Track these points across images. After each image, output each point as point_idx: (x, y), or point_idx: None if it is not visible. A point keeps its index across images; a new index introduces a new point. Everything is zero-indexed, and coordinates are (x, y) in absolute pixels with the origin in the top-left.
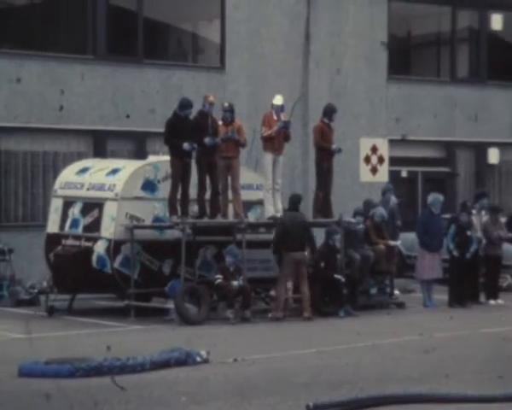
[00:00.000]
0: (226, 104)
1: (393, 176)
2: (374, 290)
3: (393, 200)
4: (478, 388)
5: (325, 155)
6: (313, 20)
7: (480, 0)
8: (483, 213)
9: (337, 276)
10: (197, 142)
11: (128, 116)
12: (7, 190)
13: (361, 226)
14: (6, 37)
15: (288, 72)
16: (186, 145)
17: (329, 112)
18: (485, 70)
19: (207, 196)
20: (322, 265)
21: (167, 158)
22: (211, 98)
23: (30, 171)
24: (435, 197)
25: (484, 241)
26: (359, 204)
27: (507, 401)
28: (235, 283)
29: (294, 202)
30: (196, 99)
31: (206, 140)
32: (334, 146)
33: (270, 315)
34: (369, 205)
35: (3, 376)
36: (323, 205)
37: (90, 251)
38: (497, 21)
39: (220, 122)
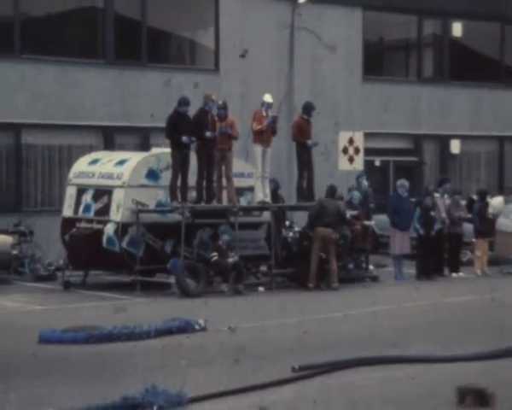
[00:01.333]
0: (220, 102)
1: (368, 165)
2: (351, 266)
3: (365, 184)
4: (443, 350)
5: (303, 148)
6: (297, 28)
7: (443, 10)
8: (446, 196)
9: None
10: (197, 136)
11: (152, 115)
12: (28, 180)
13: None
14: (27, 44)
15: (275, 74)
16: (185, 138)
17: (308, 109)
18: (448, 71)
19: (204, 183)
20: (306, 243)
21: (168, 150)
22: (213, 96)
23: (47, 162)
24: (401, 183)
25: (447, 221)
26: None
27: (467, 360)
28: (229, 260)
29: (331, 191)
30: (193, 97)
31: (207, 134)
32: (309, 141)
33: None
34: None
35: (26, 342)
36: (307, 190)
37: (100, 233)
38: (457, 29)
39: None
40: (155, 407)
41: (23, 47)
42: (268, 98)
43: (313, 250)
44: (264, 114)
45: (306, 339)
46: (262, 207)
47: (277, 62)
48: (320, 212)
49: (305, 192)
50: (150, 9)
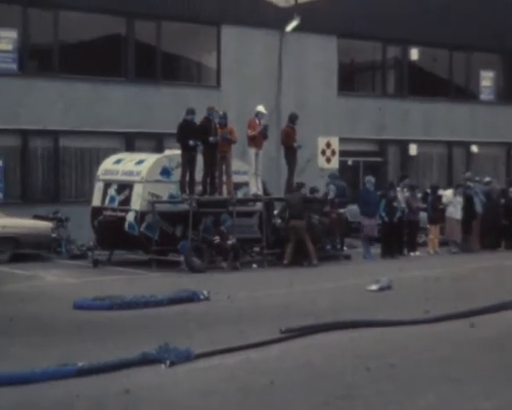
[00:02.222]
0: (221, 112)
1: (342, 164)
2: (328, 247)
3: (332, 187)
4: (408, 315)
5: (290, 150)
6: (284, 52)
7: (403, 38)
8: (405, 190)
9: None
10: (202, 140)
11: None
12: (64, 176)
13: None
14: (62, 65)
15: (266, 89)
16: (191, 142)
17: (293, 118)
18: (407, 88)
19: (208, 179)
20: (283, 233)
21: (178, 152)
22: (215, 108)
23: (80, 162)
24: (368, 179)
25: (406, 210)
26: (315, 184)
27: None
28: (228, 242)
29: (297, 187)
30: (199, 109)
31: (211, 139)
32: (295, 144)
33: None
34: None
35: (63, 308)
36: (289, 185)
37: (123, 219)
38: (414, 54)
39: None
40: (168, 362)
41: (60, 67)
42: (261, 109)
43: (288, 238)
44: (257, 122)
45: (291, 306)
46: (255, 198)
47: (267, 80)
48: (285, 207)
49: (291, 187)
50: (164, 37)
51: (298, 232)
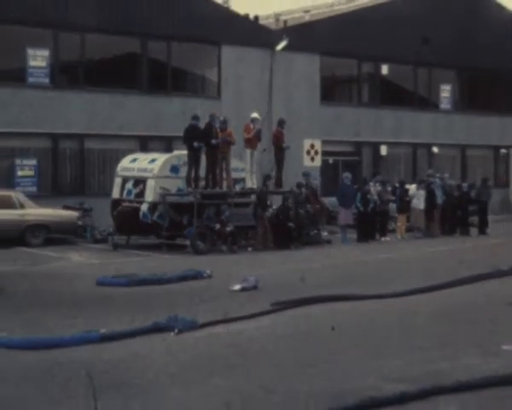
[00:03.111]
0: (222, 118)
1: (324, 162)
2: (312, 233)
3: (315, 181)
4: (376, 290)
5: (279, 150)
6: (275, 68)
7: (375, 56)
8: (377, 184)
9: (290, 224)
10: (205, 142)
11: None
12: (88, 173)
13: (303, 192)
14: (86, 79)
15: (259, 99)
16: (195, 144)
17: (281, 123)
18: (379, 99)
19: (210, 175)
20: (281, 217)
21: (185, 152)
22: (217, 115)
23: (102, 161)
24: (346, 175)
25: (378, 201)
26: (300, 180)
27: (386, 297)
28: (227, 228)
29: (264, 180)
30: (202, 115)
31: (213, 141)
32: (284, 145)
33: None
34: (300, 185)
35: (87, 284)
36: (278, 180)
37: (138, 209)
38: (385, 69)
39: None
40: (176, 330)
41: (85, 81)
42: (255, 115)
43: (260, 225)
44: (252, 126)
45: (282, 283)
46: (250, 192)
47: (260, 91)
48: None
49: (280, 182)
50: (173, 55)
51: (262, 221)
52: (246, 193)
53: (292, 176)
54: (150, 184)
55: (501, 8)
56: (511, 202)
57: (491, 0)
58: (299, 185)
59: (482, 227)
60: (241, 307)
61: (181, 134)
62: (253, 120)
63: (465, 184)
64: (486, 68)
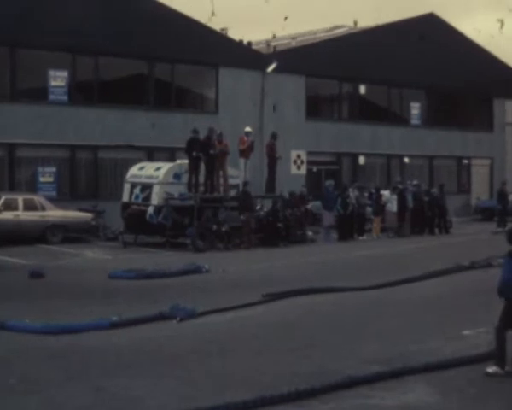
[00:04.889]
0: (218, 132)
1: (309, 171)
2: (299, 233)
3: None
4: (354, 283)
5: (271, 160)
6: (266, 88)
7: (353, 77)
8: (355, 190)
9: (279, 224)
10: (204, 152)
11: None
12: (102, 179)
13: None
14: (100, 97)
15: (252, 115)
16: (195, 154)
17: (274, 136)
18: (357, 114)
19: (208, 182)
20: (271, 218)
21: (186, 161)
22: (215, 128)
23: (113, 168)
24: (329, 182)
25: (356, 205)
26: (291, 188)
27: (363, 289)
28: (223, 229)
29: (243, 186)
30: (202, 129)
31: (211, 151)
32: (277, 155)
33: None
34: (292, 194)
35: (100, 277)
36: (271, 186)
37: (145, 211)
38: (362, 89)
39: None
40: (178, 318)
41: (99, 98)
42: (248, 129)
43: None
44: (246, 139)
45: (272, 277)
46: (244, 196)
47: (253, 108)
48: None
49: (270, 187)
50: (176, 76)
51: (247, 223)
52: (240, 198)
53: (282, 182)
54: (156, 189)
55: (460, 34)
56: (472, 205)
57: (448, 26)
58: (291, 194)
59: (445, 228)
60: (236, 298)
61: (183, 145)
62: (247, 134)
63: (434, 190)
64: (449, 88)
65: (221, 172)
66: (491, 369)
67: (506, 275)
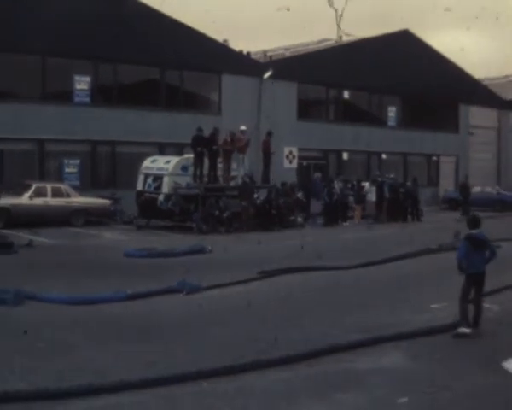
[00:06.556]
0: (223, 131)
1: (300, 165)
2: (290, 218)
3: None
4: (340, 262)
5: (267, 155)
6: (262, 92)
7: (338, 83)
8: (340, 182)
9: (273, 211)
10: (208, 148)
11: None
12: (119, 170)
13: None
14: (119, 99)
15: (250, 116)
16: (199, 149)
17: (270, 134)
18: (341, 116)
19: (212, 173)
20: (267, 206)
21: (192, 155)
22: (219, 128)
23: (129, 161)
24: (317, 175)
25: (340, 195)
26: (283, 179)
27: (347, 268)
28: (224, 214)
29: (243, 178)
30: (206, 128)
31: (214, 147)
32: (271, 151)
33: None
34: (284, 184)
35: (117, 256)
36: (266, 178)
37: (156, 199)
38: (346, 94)
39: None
40: (185, 292)
41: (118, 100)
42: (243, 127)
43: (244, 213)
44: (243, 137)
45: (267, 257)
46: (242, 186)
47: (251, 110)
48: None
49: (265, 178)
50: (184, 81)
51: (245, 209)
52: (238, 187)
53: (275, 174)
54: (166, 179)
55: (430, 48)
56: (440, 196)
57: (421, 41)
58: (283, 183)
59: (417, 215)
60: (234, 275)
61: (190, 141)
62: (242, 131)
63: (409, 183)
64: (421, 94)
65: (223, 165)
66: (460, 330)
67: (461, 254)
